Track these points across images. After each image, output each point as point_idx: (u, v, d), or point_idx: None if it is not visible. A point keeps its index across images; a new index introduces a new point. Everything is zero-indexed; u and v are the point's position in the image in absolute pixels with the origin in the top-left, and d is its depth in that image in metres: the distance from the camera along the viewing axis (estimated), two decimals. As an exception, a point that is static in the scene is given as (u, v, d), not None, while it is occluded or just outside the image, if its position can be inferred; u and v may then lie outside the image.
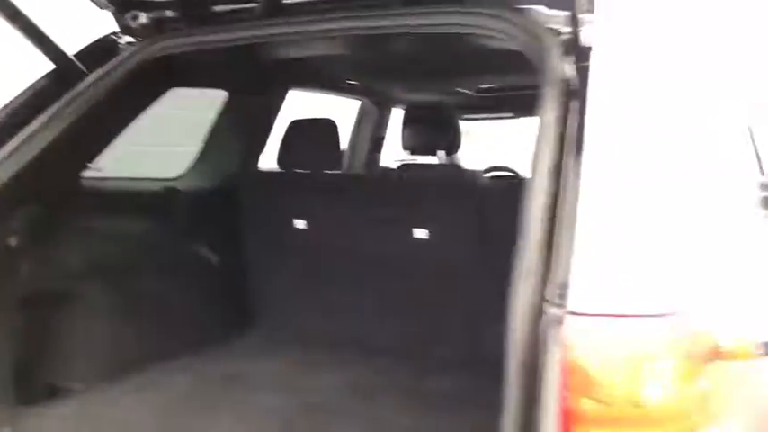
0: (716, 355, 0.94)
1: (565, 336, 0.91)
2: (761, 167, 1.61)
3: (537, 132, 1.14)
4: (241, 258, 2.50)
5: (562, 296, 0.94)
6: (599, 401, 0.88)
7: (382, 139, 3.65)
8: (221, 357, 2.20)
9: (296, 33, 1.66)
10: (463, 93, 3.42)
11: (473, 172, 3.37)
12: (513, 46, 1.36)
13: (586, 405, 0.90)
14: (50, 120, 1.71)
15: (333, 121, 2.39)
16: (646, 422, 0.89)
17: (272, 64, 2.38)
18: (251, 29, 1.72)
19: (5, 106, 1.73)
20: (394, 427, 1.69)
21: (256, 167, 2.71)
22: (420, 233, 2.12)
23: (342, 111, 3.31)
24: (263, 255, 2.48)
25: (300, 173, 2.40)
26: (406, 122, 2.92)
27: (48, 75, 1.78)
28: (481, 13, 1.37)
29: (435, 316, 2.14)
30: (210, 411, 1.78)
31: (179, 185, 2.46)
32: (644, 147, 1.05)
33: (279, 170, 2.45)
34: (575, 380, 0.90)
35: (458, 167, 3.18)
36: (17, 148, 1.66)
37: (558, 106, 1.16)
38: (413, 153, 2.95)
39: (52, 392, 1.80)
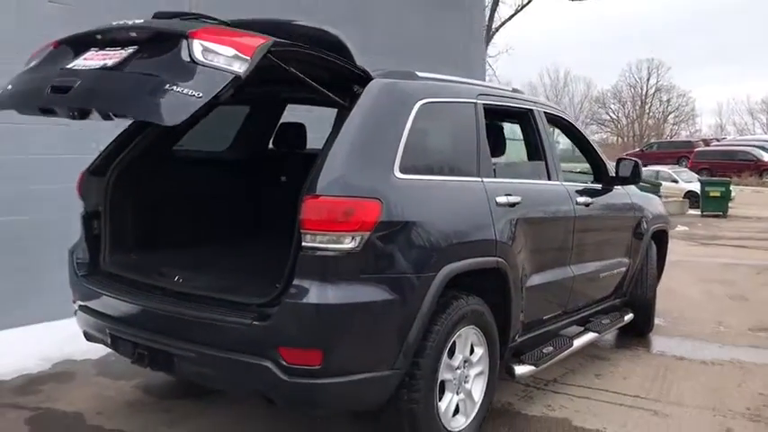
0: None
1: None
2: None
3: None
4: (254, 195, 4.54)
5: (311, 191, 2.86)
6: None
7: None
8: (236, 242, 4.25)
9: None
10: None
11: None
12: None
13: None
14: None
15: (302, 124, 4.43)
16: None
17: (265, 96, 4.24)
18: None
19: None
20: None
21: (266, 147, 4.74)
22: None
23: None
24: (264, 194, 4.54)
25: (284, 151, 4.47)
26: None
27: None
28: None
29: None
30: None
31: (224, 155, 4.56)
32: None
33: (274, 148, 4.53)
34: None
35: None
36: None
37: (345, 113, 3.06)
38: None
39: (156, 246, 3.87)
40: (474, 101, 3.72)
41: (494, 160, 3.87)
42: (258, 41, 2.62)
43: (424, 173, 3.26)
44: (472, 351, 3.48)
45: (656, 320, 6.15)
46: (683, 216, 19.73)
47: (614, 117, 66.91)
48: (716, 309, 6.99)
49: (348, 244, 2.84)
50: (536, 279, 3.93)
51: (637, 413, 4.04)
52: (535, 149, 4.28)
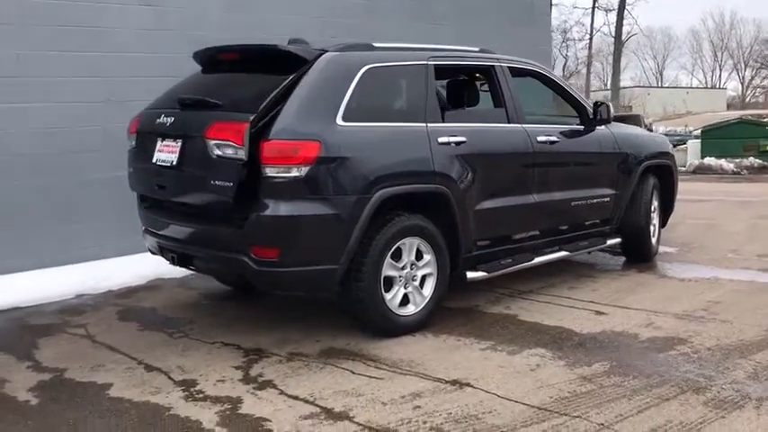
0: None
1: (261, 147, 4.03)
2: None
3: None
4: None
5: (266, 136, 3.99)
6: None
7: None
8: None
9: None
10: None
11: None
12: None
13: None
14: None
15: None
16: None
17: None
18: None
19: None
20: None
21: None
22: None
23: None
24: None
25: None
26: None
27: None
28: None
29: None
30: None
31: None
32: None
33: None
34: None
35: None
36: None
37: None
38: None
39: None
40: (425, 62, 4.71)
41: (453, 110, 4.86)
42: (242, 128, 3.88)
43: (367, 120, 4.32)
44: (421, 257, 4.52)
45: (668, 249, 6.81)
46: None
47: (787, 58, 61.71)
48: (744, 239, 7.38)
49: (295, 173, 4.00)
50: (487, 204, 4.86)
51: (578, 312, 4.89)
52: (496, 98, 5.16)
